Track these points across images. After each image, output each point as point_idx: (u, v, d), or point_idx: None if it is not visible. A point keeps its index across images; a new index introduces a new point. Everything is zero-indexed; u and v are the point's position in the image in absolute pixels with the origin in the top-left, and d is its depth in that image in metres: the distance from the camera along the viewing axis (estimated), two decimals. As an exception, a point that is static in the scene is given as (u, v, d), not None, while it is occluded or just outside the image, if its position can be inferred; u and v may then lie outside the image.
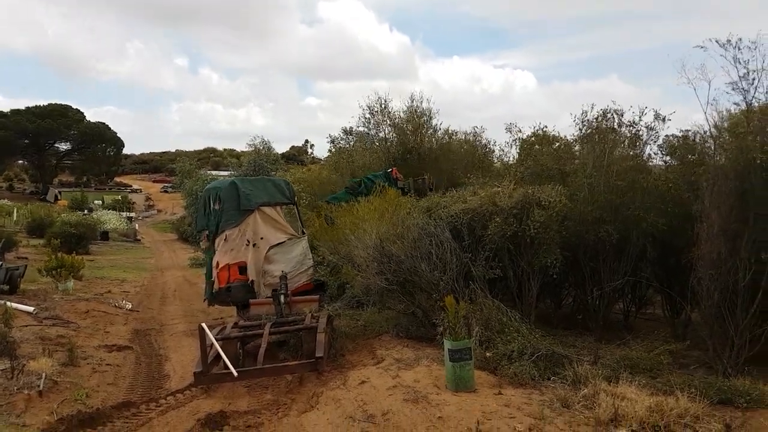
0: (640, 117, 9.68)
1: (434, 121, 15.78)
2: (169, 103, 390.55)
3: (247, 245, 10.43)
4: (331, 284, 10.52)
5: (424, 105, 15.39)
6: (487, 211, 8.98)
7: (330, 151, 36.22)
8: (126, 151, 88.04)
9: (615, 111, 9.86)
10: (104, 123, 78.34)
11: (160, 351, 9.34)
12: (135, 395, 6.93)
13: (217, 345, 7.03)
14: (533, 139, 12.23)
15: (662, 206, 9.07)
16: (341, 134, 39.45)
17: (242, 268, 10.38)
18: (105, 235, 39.83)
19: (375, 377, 6.71)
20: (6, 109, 72.54)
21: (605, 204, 9.28)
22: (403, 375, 6.68)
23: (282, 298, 8.80)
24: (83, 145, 75.05)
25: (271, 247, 10.67)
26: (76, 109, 75.86)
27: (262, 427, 5.80)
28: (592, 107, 10.06)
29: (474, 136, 14.60)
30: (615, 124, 9.90)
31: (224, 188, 10.62)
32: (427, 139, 16.03)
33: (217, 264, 10.41)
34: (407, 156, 15.07)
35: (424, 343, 8.14)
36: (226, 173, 37.33)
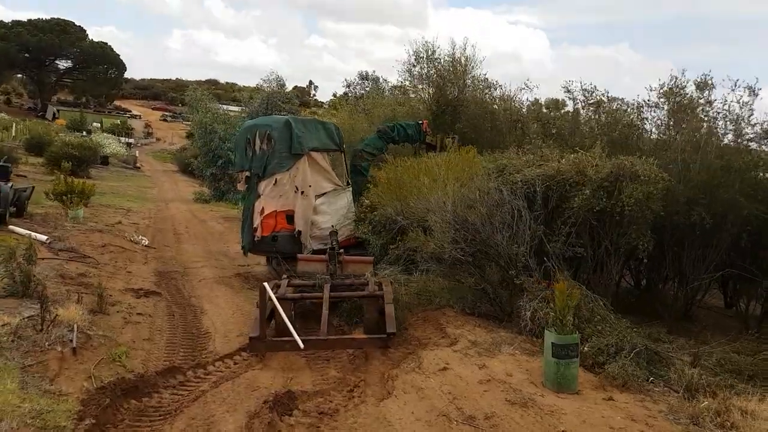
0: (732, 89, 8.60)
1: (477, 72, 14.44)
2: (172, 29, 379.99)
3: (296, 192, 9.45)
4: (374, 244, 9.53)
5: (468, 52, 14.03)
6: (571, 180, 7.97)
7: (346, 96, 34.87)
8: (126, 75, 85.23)
9: (707, 82, 8.74)
10: (106, 43, 75.38)
11: (191, 300, 8.41)
12: (177, 357, 6.03)
13: (282, 313, 6.10)
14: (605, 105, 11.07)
15: (756, 193, 8.14)
16: (357, 79, 37.95)
17: (290, 217, 9.43)
18: (105, 160, 38.49)
19: (456, 363, 5.82)
20: (7, 19, 69.65)
21: (700, 185, 8.30)
22: (489, 364, 5.79)
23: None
24: (84, 64, 72.15)
25: (318, 197, 9.69)
26: (79, 26, 72.74)
27: (338, 415, 4.91)
28: (683, 73, 8.95)
29: (516, 93, 13.38)
30: (710, 96, 8.81)
31: (277, 127, 9.54)
32: (469, 92, 14.70)
33: (262, 210, 9.44)
34: (444, 110, 13.84)
35: (493, 323, 7.25)
36: (236, 109, 35.80)
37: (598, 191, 7.66)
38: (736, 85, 8.45)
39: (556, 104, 17.04)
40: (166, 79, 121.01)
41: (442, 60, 13.80)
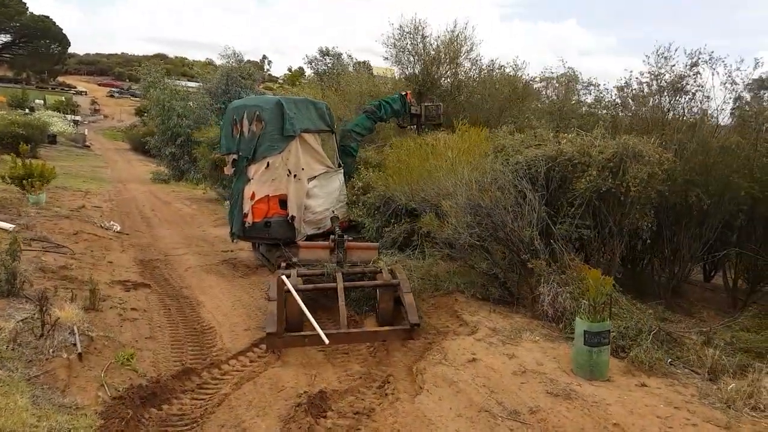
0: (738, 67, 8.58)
1: (475, 53, 14.03)
2: (116, 1, 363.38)
3: (288, 176, 9.02)
4: (369, 227, 9.24)
5: (469, 31, 13.61)
6: (575, 161, 7.84)
7: (302, 70, 33.88)
8: (70, 50, 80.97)
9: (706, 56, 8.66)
10: (48, 17, 71.26)
11: (183, 291, 7.97)
12: (187, 357, 5.64)
13: (304, 308, 5.76)
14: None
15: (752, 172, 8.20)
16: (318, 55, 36.99)
17: (282, 202, 9.01)
18: (53, 139, 36.67)
19: (483, 353, 5.64)
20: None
21: (697, 165, 8.31)
22: (517, 354, 5.64)
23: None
24: (25, 38, 68.11)
25: (310, 180, 9.29)
26: (18, -1, 68.54)
27: (375, 414, 4.67)
28: (674, 49, 8.86)
29: (515, 69, 13.08)
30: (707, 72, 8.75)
31: (268, 108, 9.04)
32: (463, 71, 14.19)
33: (253, 195, 8.97)
34: (432, 87, 13.45)
35: (505, 308, 7.10)
36: (193, 85, 34.48)
37: (603, 172, 7.57)
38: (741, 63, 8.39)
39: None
40: (112, 54, 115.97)
41: (431, 38, 13.35)
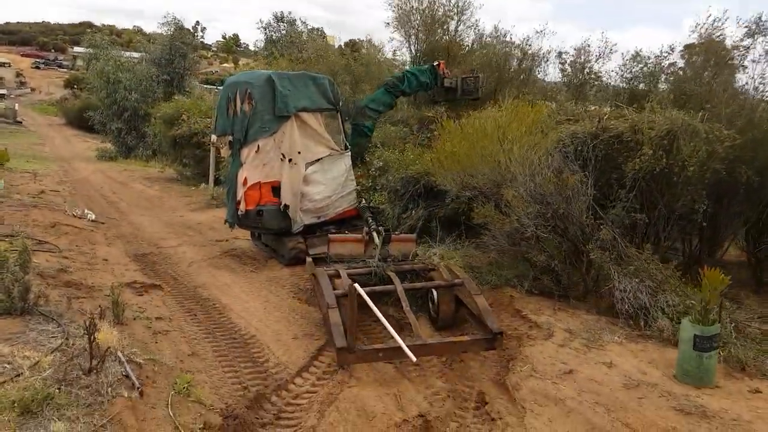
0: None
1: (474, 18, 13.20)
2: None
3: (282, 160, 8.18)
4: (389, 213, 8.54)
5: None
6: (627, 138, 7.37)
7: (270, 40, 32.40)
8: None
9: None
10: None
11: (199, 291, 7.09)
12: (245, 378, 4.85)
13: (383, 318, 5.04)
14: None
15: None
16: (272, 21, 35.24)
17: (276, 189, 8.18)
18: (-20, 114, 33.69)
19: (575, 362, 5.13)
20: None
21: (747, 142, 8.02)
22: (612, 360, 5.15)
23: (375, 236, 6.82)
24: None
25: (309, 165, 8.45)
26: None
27: (490, 444, 4.07)
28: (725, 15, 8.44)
29: (525, 42, 12.40)
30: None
31: (258, 84, 8.12)
32: (467, 38, 13.32)
33: (245, 181, 8.13)
34: (430, 55, 12.64)
35: (562, 302, 6.60)
36: (137, 55, 32.26)
37: (657, 151, 7.14)
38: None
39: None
40: (35, 23, 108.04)
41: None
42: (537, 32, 11.91)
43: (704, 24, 8.39)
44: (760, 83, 8.29)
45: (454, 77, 10.60)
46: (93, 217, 10.76)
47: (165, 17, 29.42)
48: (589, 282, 6.82)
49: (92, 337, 3.87)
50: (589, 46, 11.68)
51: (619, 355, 5.30)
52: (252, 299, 6.83)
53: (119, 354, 4.30)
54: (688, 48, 9.01)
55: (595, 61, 10.89)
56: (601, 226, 6.94)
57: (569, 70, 11.07)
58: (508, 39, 12.14)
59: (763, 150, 7.81)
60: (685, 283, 6.68)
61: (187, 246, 9.42)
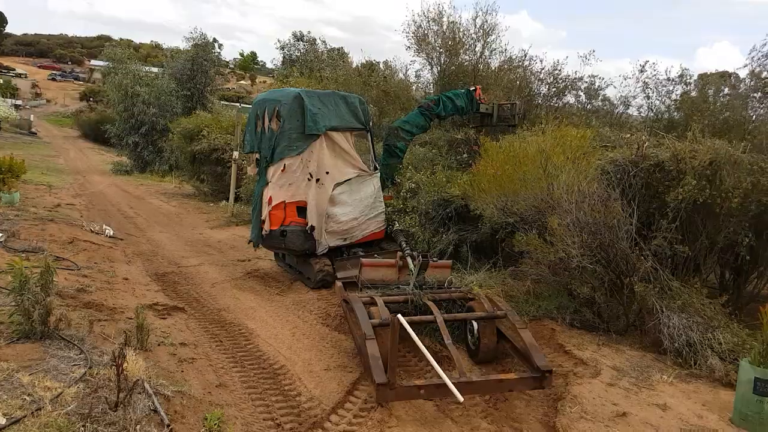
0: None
1: (501, 41, 12.97)
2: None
3: (309, 180, 7.96)
4: (420, 236, 8.26)
5: (496, 20, 12.54)
6: (667, 167, 7.10)
7: (289, 58, 32.46)
8: (7, 30, 75.88)
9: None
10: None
11: (223, 315, 6.82)
12: (277, 413, 4.55)
13: (426, 352, 4.73)
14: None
15: None
16: (291, 39, 35.33)
17: (301, 209, 7.95)
18: (-4, 125, 33.93)
19: (625, 403, 4.80)
20: None
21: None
22: (666, 402, 4.82)
23: (411, 261, 6.54)
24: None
25: (337, 185, 8.22)
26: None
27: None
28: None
29: (555, 67, 12.16)
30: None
31: (286, 102, 7.92)
32: (493, 62, 13.05)
33: (270, 200, 7.92)
34: (454, 78, 12.44)
35: (604, 337, 6.28)
36: (155, 69, 32.43)
37: (700, 181, 6.86)
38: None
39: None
40: (53, 35, 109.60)
41: (456, 24, 12.27)
42: (580, 56, 11.72)
43: (755, 52, 8.17)
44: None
45: (491, 103, 10.39)
46: (111, 233, 10.56)
47: (191, 32, 29.57)
48: (630, 316, 6.51)
49: (120, 368, 3.60)
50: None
51: (671, 396, 4.97)
52: (279, 324, 6.55)
53: (146, 386, 4.03)
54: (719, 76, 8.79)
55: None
56: (643, 257, 6.67)
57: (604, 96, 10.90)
58: (538, 63, 11.89)
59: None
60: (732, 319, 6.40)
61: (208, 265, 9.18)
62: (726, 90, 8.85)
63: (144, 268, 8.61)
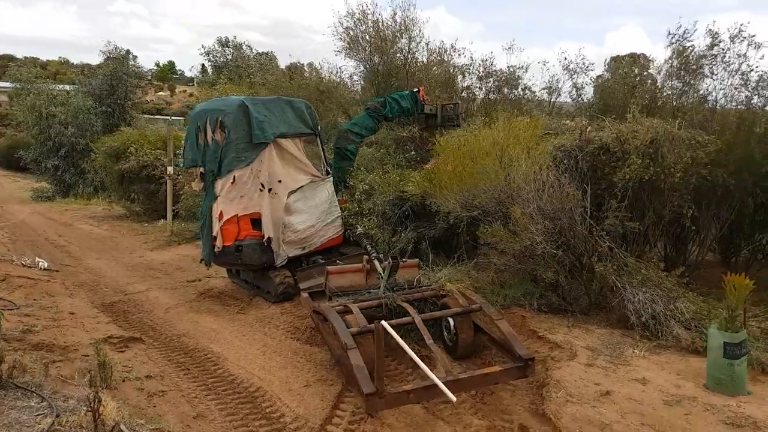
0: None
1: (424, 34, 12.96)
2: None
3: (261, 191, 7.73)
4: (380, 237, 8.17)
5: (415, 14, 12.52)
6: (611, 149, 7.34)
7: (214, 65, 31.51)
8: None
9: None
10: None
11: (184, 341, 6.50)
12: (264, 441, 4.35)
13: (416, 357, 4.63)
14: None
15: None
16: (216, 45, 34.35)
17: (255, 221, 7.71)
18: None
19: (606, 382, 4.90)
20: None
21: (720, 145, 8.15)
22: (644, 376, 4.94)
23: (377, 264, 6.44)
24: None
25: (291, 193, 8.03)
26: None
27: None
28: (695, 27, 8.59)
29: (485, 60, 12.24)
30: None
31: (230, 111, 7.65)
32: (419, 56, 13.02)
33: (221, 215, 7.62)
34: (388, 79, 12.39)
35: (573, 319, 6.40)
36: (68, 87, 30.75)
37: (644, 159, 7.12)
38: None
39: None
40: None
41: (384, 23, 12.19)
42: (504, 49, 11.86)
43: (675, 34, 8.58)
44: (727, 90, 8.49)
45: (434, 104, 10.42)
46: (45, 265, 9.89)
47: (106, 46, 28.09)
48: (592, 295, 6.67)
49: (96, 413, 3.32)
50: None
51: (647, 369, 5.12)
52: (246, 344, 6.30)
53: (122, 428, 3.75)
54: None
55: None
56: (598, 238, 6.85)
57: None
58: (466, 57, 12.04)
59: (736, 152, 7.97)
60: (687, 289, 6.66)
61: (157, 290, 8.75)
62: (636, 71, 9.27)
63: (89, 299, 8.11)
